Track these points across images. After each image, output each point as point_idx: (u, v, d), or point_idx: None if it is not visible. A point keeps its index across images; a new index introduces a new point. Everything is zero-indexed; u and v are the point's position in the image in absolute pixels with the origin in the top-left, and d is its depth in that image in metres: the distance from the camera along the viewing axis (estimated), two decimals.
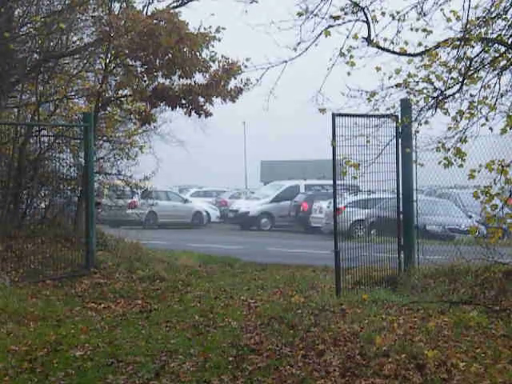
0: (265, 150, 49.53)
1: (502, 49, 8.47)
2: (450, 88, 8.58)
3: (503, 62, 8.44)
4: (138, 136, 17.03)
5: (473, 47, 8.40)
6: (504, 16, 8.34)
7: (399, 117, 10.50)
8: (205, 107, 14.95)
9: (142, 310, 9.90)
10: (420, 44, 8.79)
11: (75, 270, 12.42)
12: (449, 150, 8.54)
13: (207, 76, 14.70)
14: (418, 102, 8.78)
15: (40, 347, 7.61)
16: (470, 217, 15.62)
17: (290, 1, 9.16)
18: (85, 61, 14.99)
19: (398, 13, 8.72)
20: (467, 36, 8.11)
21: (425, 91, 8.70)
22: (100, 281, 11.89)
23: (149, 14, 14.59)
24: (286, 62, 9.07)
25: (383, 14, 8.84)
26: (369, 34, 9.03)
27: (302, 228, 30.05)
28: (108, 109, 15.55)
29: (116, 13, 14.42)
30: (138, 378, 6.64)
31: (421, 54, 8.82)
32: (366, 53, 8.91)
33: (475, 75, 8.46)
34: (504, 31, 8.37)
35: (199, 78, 14.72)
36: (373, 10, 8.95)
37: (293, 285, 12.35)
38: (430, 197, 17.57)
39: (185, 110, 14.93)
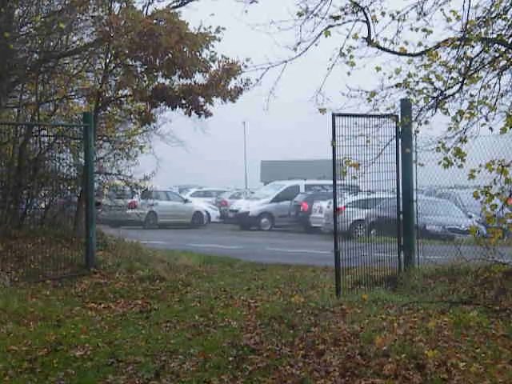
0: (265, 150, 49.61)
1: (502, 49, 8.47)
2: (450, 88, 8.58)
3: (503, 62, 8.44)
4: (138, 136, 17.03)
5: (473, 47, 8.40)
6: (504, 16, 8.35)
7: (399, 117, 10.50)
8: (205, 107, 14.96)
9: (142, 310, 9.90)
10: (420, 44, 8.79)
11: (75, 270, 12.41)
12: (449, 150, 8.54)
13: (207, 76, 14.71)
14: (418, 101, 8.78)
15: (40, 347, 7.62)
16: (470, 217, 15.64)
17: (290, 1, 9.17)
18: (85, 61, 14.99)
19: (398, 13, 8.72)
20: (467, 36, 8.11)
21: (425, 91, 8.70)
22: (100, 281, 11.89)
23: (149, 14, 14.59)
24: (285, 62, 9.08)
25: (383, 14, 8.84)
26: (369, 34, 9.02)
27: (302, 228, 30.04)
28: (108, 109, 15.55)
29: (116, 13, 14.41)
30: (138, 378, 6.64)
31: (421, 53, 8.82)
32: (366, 53, 8.92)
33: (475, 75, 8.47)
34: (504, 31, 8.37)
35: (199, 78, 14.75)
36: (373, 10, 8.96)
37: (293, 285, 12.35)
38: (429, 197, 17.56)
39: (185, 109, 14.93)
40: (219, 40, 14.51)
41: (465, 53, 8.39)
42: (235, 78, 14.74)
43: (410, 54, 8.90)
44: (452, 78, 8.53)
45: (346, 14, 8.97)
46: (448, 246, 11.75)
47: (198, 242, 22.83)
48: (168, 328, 8.69)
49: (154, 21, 14.08)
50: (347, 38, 8.87)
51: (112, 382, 6.56)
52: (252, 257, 17.47)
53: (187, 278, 12.71)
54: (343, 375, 6.48)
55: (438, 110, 8.70)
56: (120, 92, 14.95)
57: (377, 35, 8.97)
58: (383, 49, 9.00)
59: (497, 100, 8.35)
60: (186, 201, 34.06)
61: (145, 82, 14.68)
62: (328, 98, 9.00)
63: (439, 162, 8.75)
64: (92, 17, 14.68)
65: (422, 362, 6.58)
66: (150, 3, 14.92)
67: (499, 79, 8.44)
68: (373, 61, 8.84)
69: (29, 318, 9.06)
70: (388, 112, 9.38)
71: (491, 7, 8.25)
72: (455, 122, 8.44)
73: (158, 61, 14.26)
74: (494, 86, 8.42)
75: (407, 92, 8.86)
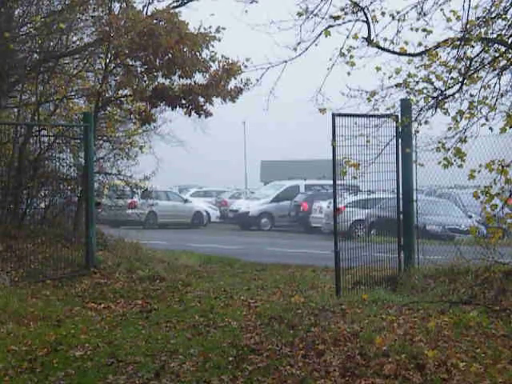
0: (265, 150, 49.62)
1: (502, 49, 8.47)
2: (449, 88, 8.58)
3: (503, 62, 8.44)
4: (138, 136, 17.03)
5: (473, 47, 8.40)
6: (504, 16, 8.34)
7: (399, 117, 10.50)
8: (205, 107, 14.97)
9: (142, 310, 9.90)
10: (420, 44, 8.78)
11: (75, 270, 12.41)
12: (449, 150, 8.53)
13: (207, 76, 14.72)
14: (418, 101, 8.78)
15: (40, 347, 7.62)
16: (470, 217, 15.64)
17: (290, 1, 9.16)
18: (85, 61, 14.99)
19: (398, 13, 8.71)
20: (467, 36, 8.11)
21: (425, 91, 8.70)
22: (100, 281, 11.89)
23: (149, 14, 14.60)
24: (285, 62, 9.07)
25: (383, 14, 8.83)
26: (369, 34, 9.02)
27: (302, 228, 30.04)
28: (108, 109, 15.56)
29: (116, 13, 14.42)
30: (138, 378, 6.64)
31: (421, 53, 8.81)
32: (366, 53, 8.91)
33: (475, 75, 8.46)
34: (504, 31, 8.36)
35: (199, 78, 14.77)
36: (373, 10, 8.95)
37: (293, 285, 12.35)
38: (429, 197, 17.56)
39: (185, 109, 14.94)
40: (219, 40, 14.52)
41: (465, 53, 8.38)
42: (235, 78, 14.76)
43: (410, 54, 8.90)
44: (452, 78, 8.52)
45: (346, 13, 8.96)
46: (448, 246, 11.74)
47: (198, 242, 22.83)
48: (168, 328, 8.69)
49: (154, 21, 14.10)
50: (347, 37, 8.86)
51: (112, 382, 6.56)
52: (252, 257, 17.46)
53: (187, 278, 12.71)
54: (343, 375, 6.48)
55: (438, 110, 8.69)
56: (120, 92, 14.96)
57: (377, 35, 8.96)
58: (383, 49, 8.99)
59: (497, 100, 8.34)
60: (186, 201, 34.05)
61: (145, 82, 14.68)
62: (328, 97, 8.99)
63: (439, 162, 8.74)
64: (92, 17, 14.69)
65: (422, 362, 6.58)
66: (150, 3, 14.95)
67: (499, 79, 8.44)
68: (373, 61, 8.84)
69: (29, 317, 9.06)
70: (388, 112, 9.37)
71: (491, 7, 8.25)
72: (455, 121, 8.43)
73: (157, 61, 14.27)
74: (494, 86, 8.42)
75: (407, 92, 8.86)
